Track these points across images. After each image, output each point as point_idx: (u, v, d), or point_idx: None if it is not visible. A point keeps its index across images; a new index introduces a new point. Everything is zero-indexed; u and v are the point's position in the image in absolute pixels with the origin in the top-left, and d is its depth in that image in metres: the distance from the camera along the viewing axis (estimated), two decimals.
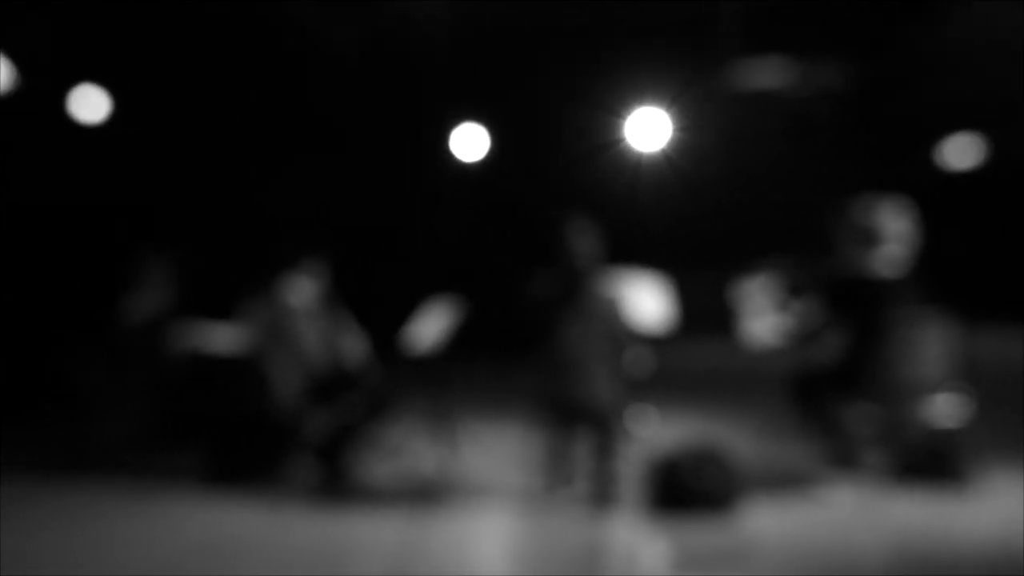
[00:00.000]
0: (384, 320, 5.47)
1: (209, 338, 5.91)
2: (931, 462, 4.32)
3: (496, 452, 5.46)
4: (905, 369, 4.23)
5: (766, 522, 4.16)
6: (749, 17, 9.57)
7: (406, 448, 5.45)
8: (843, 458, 4.48)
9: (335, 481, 4.92)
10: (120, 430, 5.84)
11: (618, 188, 8.68)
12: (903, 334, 4.23)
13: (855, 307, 4.30)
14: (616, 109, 7.50)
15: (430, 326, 5.58)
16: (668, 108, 7.24)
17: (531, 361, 4.30)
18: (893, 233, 4.30)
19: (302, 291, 5.09)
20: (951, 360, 4.33)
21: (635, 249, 8.37)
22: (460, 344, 5.32)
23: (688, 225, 9.64)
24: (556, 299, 4.25)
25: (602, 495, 4.30)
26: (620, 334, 4.24)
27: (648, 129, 7.18)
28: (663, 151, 7.51)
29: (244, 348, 5.76)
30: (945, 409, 4.37)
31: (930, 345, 4.25)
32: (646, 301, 4.54)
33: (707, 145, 8.79)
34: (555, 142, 9.21)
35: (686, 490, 4.10)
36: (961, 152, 9.89)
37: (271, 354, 4.96)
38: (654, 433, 4.44)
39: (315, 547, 4.17)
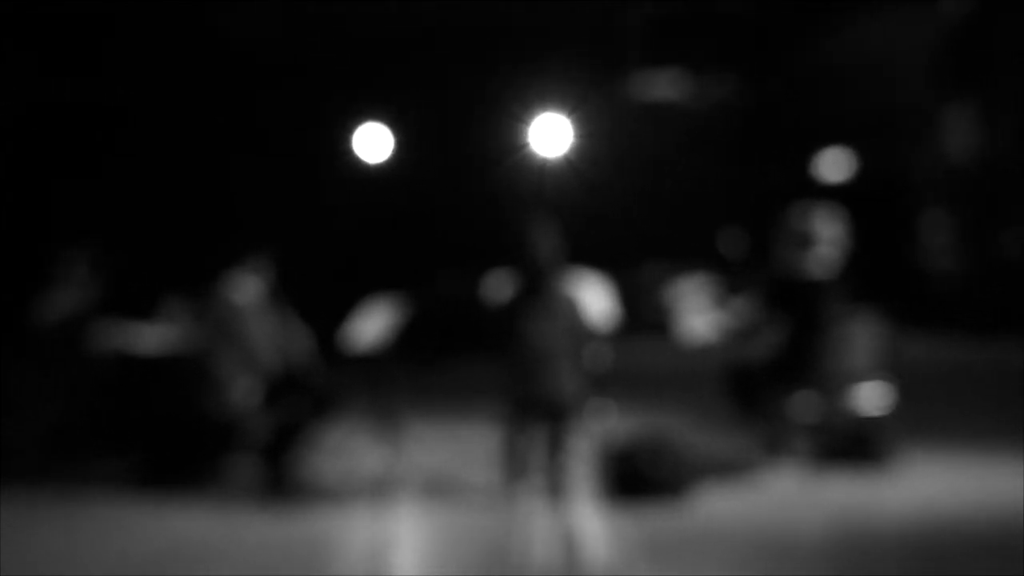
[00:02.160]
0: (320, 319, 5.49)
1: (134, 338, 5.76)
2: (856, 446, 4.71)
3: (445, 449, 5.55)
4: (839, 360, 4.63)
5: (716, 506, 4.42)
6: (649, 30, 10.01)
7: (349, 447, 5.47)
8: (776, 444, 4.83)
9: (279, 481, 4.86)
10: (38, 432, 5.63)
11: (523, 192, 8.91)
12: (837, 329, 4.62)
13: (792, 305, 4.65)
14: (520, 115, 7.71)
15: (371, 324, 5.61)
16: (570, 115, 7.51)
17: (494, 357, 4.45)
18: (826, 237, 4.70)
19: (248, 289, 5.03)
20: (877, 353, 4.76)
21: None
22: (404, 342, 5.40)
23: (589, 229, 9.97)
24: (519, 296, 4.41)
25: (560, 487, 4.44)
26: (582, 330, 4.43)
27: (551, 135, 7.42)
28: (565, 157, 7.78)
29: (175, 347, 5.67)
30: (871, 397, 4.79)
31: (859, 339, 4.66)
32: (594, 299, 4.75)
33: (607, 152, 9.12)
34: (460, 145, 9.36)
35: (643, 478, 4.33)
36: (835, 164, 10.59)
37: (219, 353, 4.89)
38: (612, 426, 4.65)
39: (279, 548, 4.13)
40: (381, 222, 8.18)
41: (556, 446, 4.40)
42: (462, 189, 8.94)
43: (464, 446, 5.59)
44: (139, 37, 7.06)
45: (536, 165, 8.09)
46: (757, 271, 4.90)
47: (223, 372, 4.88)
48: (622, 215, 9.11)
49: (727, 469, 4.65)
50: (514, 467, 4.52)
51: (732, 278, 4.88)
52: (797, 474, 4.75)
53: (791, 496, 4.54)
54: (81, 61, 6.91)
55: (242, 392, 4.91)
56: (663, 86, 10.45)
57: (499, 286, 4.74)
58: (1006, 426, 5.36)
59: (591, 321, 4.40)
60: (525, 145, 7.48)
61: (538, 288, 4.35)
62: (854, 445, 4.69)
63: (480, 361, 6.54)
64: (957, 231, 9.04)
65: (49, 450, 5.49)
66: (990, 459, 4.81)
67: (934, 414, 5.31)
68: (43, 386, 5.64)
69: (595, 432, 4.52)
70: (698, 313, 4.91)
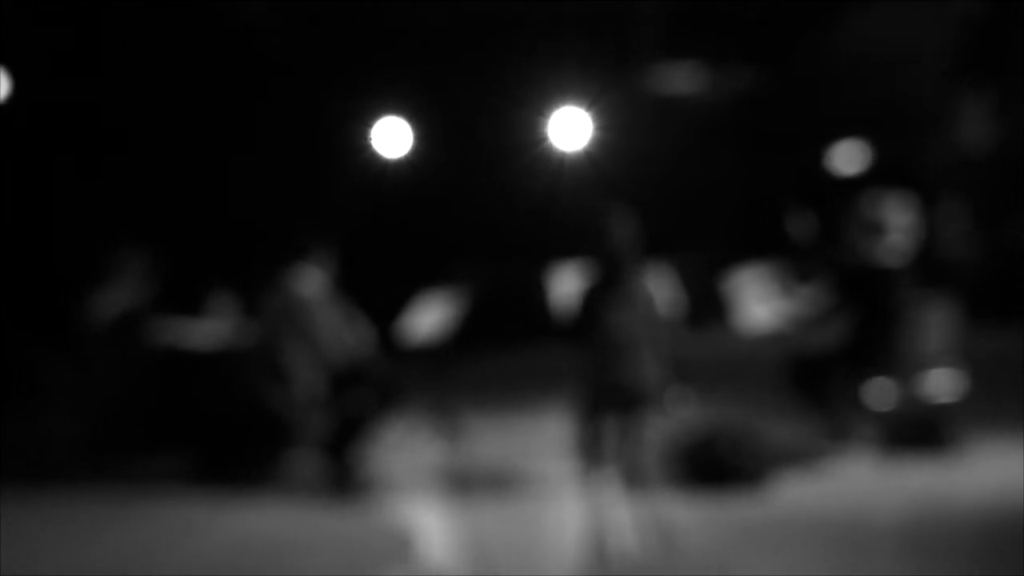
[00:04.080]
0: (373, 312, 5.46)
1: (186, 334, 5.70)
2: (926, 432, 4.76)
3: (505, 441, 5.52)
4: (912, 347, 4.68)
5: (794, 494, 4.44)
6: (665, 23, 10.01)
7: (409, 441, 5.43)
8: (843, 432, 4.87)
9: (342, 476, 4.83)
10: (93, 431, 5.57)
11: (542, 185, 8.91)
12: (911, 316, 4.66)
13: (863, 293, 4.69)
14: (539, 108, 7.71)
15: (428, 317, 5.59)
16: (589, 109, 7.51)
17: (564, 348, 4.46)
18: (897, 224, 4.74)
19: (312, 281, 4.98)
20: (948, 339, 4.81)
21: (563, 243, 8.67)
22: (461, 335, 5.39)
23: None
24: (597, 287, 4.42)
25: (639, 476, 4.47)
26: (659, 320, 4.45)
27: (570, 128, 7.42)
28: (585, 150, 7.78)
29: (228, 342, 5.63)
30: (942, 383, 4.83)
31: (930, 325, 4.70)
32: (660, 289, 4.77)
33: (626, 145, 9.14)
34: (479, 139, 9.35)
35: (723, 466, 4.35)
36: (849, 157, 10.65)
37: (285, 345, 4.84)
38: (691, 413, 4.68)
39: (351, 543, 4.10)
40: (409, 218, 8.18)
41: (634, 435, 4.43)
42: (483, 182, 8.94)
43: (524, 438, 5.58)
44: (170, 31, 7.04)
45: (556, 158, 8.10)
46: (824, 258, 4.94)
47: (289, 365, 4.85)
48: (647, 207, 9.15)
49: (800, 457, 4.68)
50: (591, 456, 4.53)
51: (798, 265, 4.90)
52: (869, 461, 4.79)
53: (866, 483, 4.58)
54: (114, 56, 6.89)
55: (307, 385, 4.89)
56: (681, 79, 10.48)
57: (570, 278, 4.75)
58: None
59: (667, 311, 4.44)
60: (544, 139, 7.49)
61: (616, 278, 4.37)
62: (924, 431, 4.75)
63: (537, 352, 6.57)
64: (972, 220, 9.12)
65: (104, 449, 5.45)
66: None
67: (988, 400, 5.36)
68: (97, 385, 5.60)
69: (675, 420, 4.57)
70: (761, 301, 4.93)
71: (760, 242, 5.34)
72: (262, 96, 7.71)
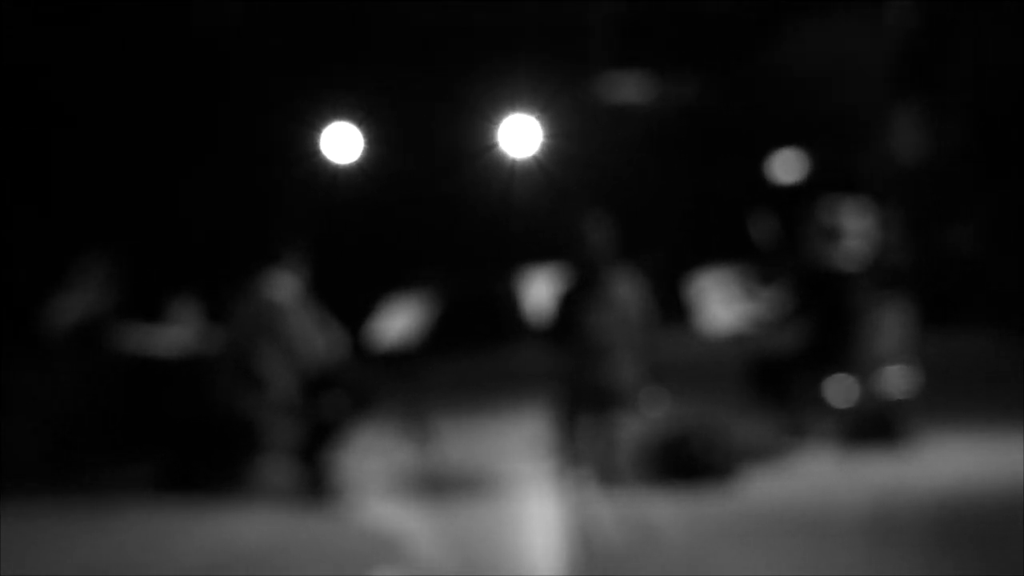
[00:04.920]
0: (344, 317, 5.48)
1: (149, 340, 5.65)
2: (882, 428, 4.98)
3: (476, 443, 5.59)
4: (869, 346, 4.91)
5: (761, 489, 4.61)
6: (613, 32, 10.22)
7: (379, 445, 5.45)
8: (802, 429, 5.07)
9: (315, 482, 4.83)
10: (54, 439, 5.47)
11: (495, 191, 9.02)
12: (866, 317, 4.88)
13: (822, 296, 4.89)
14: (489, 115, 7.82)
15: (397, 321, 5.62)
16: (539, 116, 7.65)
17: (553, 349, 4.55)
18: (854, 230, 4.95)
19: (285, 286, 5.00)
20: (902, 338, 5.03)
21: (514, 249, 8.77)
22: (430, 338, 5.44)
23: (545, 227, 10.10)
24: (574, 289, 4.52)
25: (615, 474, 4.60)
26: (635, 321, 4.58)
27: (520, 135, 7.54)
28: (534, 157, 7.91)
29: (191, 348, 5.59)
30: (897, 381, 5.06)
31: (886, 326, 4.92)
32: (635, 292, 4.91)
33: (575, 153, 9.29)
34: (429, 145, 9.41)
35: (695, 463, 4.50)
36: (787, 165, 10.97)
37: (259, 351, 4.84)
38: (664, 413, 4.82)
39: (336, 548, 4.10)
40: (370, 223, 8.21)
41: (610, 434, 4.54)
42: (437, 187, 9.01)
43: (494, 440, 5.66)
44: (132, 36, 6.98)
45: (506, 165, 8.21)
46: (784, 262, 5.13)
47: (262, 370, 4.87)
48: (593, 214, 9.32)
49: (765, 453, 4.86)
50: (568, 456, 4.63)
51: (759, 269, 5.09)
52: (829, 456, 5.00)
53: (828, 477, 4.78)
54: (76, 62, 6.81)
55: (281, 390, 4.91)
56: (628, 88, 10.70)
57: (543, 282, 4.85)
58: (994, 409, 5.75)
59: (643, 312, 4.57)
60: (494, 145, 7.59)
61: (593, 282, 4.50)
62: (880, 427, 4.98)
63: (506, 356, 6.65)
64: (907, 229, 9.49)
65: (67, 457, 5.38)
66: (1003, 438, 5.08)
67: (937, 397, 5.61)
68: (58, 391, 5.52)
69: (649, 420, 4.69)
70: (723, 304, 5.10)
71: (720, 246, 5.53)
72: (221, 101, 7.69)
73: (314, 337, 4.94)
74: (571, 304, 4.53)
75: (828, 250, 4.97)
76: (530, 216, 8.31)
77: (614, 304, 4.51)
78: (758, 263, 5.04)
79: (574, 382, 4.52)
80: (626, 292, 4.63)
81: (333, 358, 5.06)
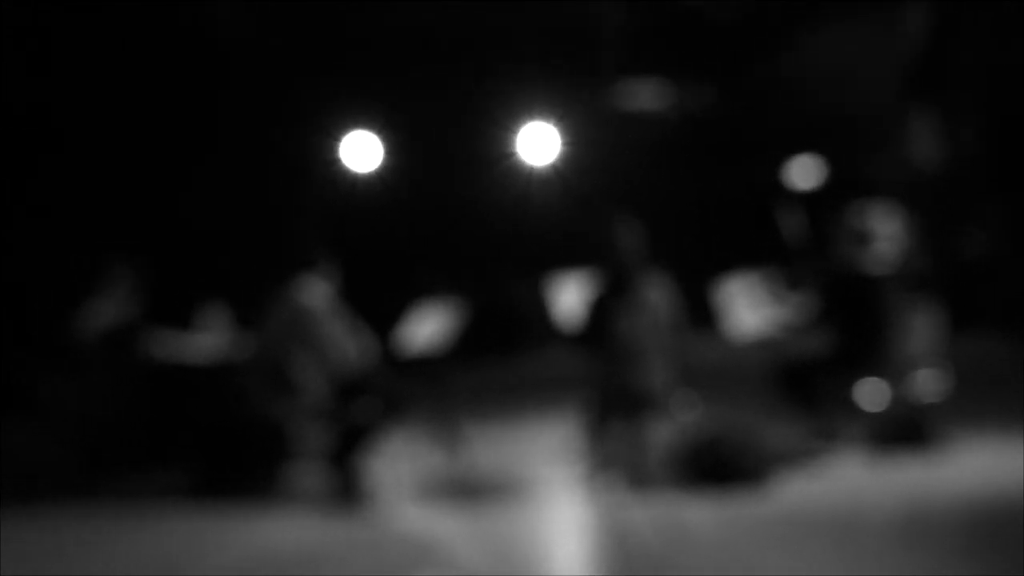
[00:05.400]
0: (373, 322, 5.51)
1: (180, 347, 5.68)
2: (912, 431, 5.00)
3: (511, 448, 5.65)
4: (901, 350, 4.92)
5: (794, 493, 4.63)
6: (629, 40, 10.26)
7: (410, 450, 5.50)
8: (832, 433, 5.08)
9: (347, 488, 4.86)
10: (85, 446, 5.50)
11: (508, 200, 9.06)
12: (898, 321, 4.90)
13: (852, 300, 4.91)
14: (507, 123, 7.86)
15: (426, 327, 5.65)
16: (556, 124, 7.68)
17: (585, 354, 4.58)
18: (884, 233, 4.97)
19: (317, 292, 5.04)
20: (932, 342, 5.06)
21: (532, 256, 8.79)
22: (459, 344, 5.46)
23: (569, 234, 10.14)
24: (606, 295, 4.55)
25: (645, 477, 4.63)
26: (667, 326, 4.61)
27: (538, 143, 7.57)
28: (552, 165, 7.94)
29: (222, 355, 5.62)
30: (927, 384, 5.08)
31: (917, 329, 4.95)
32: (665, 296, 4.94)
33: (594, 160, 9.33)
34: (450, 152, 9.45)
35: (728, 467, 4.52)
36: (803, 171, 10.99)
37: (293, 357, 4.89)
38: (696, 417, 4.85)
39: (374, 553, 4.12)
40: (398, 230, 8.26)
41: (642, 439, 4.56)
42: (457, 194, 9.05)
43: (524, 445, 5.70)
44: (156, 44, 7.05)
45: (525, 172, 8.24)
46: (813, 266, 5.16)
47: (296, 376, 4.91)
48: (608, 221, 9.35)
49: (796, 457, 4.88)
50: (598, 460, 4.66)
51: (787, 273, 5.11)
52: (860, 460, 5.02)
53: (860, 481, 4.80)
54: (109, 70, 6.89)
55: (314, 396, 4.94)
56: (643, 95, 10.74)
57: (573, 288, 4.88)
58: (1020, 413, 5.77)
59: (673, 317, 4.60)
60: (513, 152, 7.63)
61: (624, 287, 4.53)
62: (910, 430, 5.00)
63: (535, 361, 6.67)
64: (922, 233, 9.50)
65: (99, 464, 5.41)
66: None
67: (965, 400, 5.63)
68: (88, 398, 5.55)
69: (680, 424, 4.72)
70: (751, 308, 5.12)
71: (745, 251, 5.56)
72: (247, 110, 7.75)
73: (346, 343, 4.96)
74: (602, 309, 4.56)
75: (858, 254, 5.00)
76: (556, 222, 8.35)
77: (645, 308, 4.56)
78: (785, 267, 5.07)
79: (605, 387, 4.55)
80: (657, 296, 4.68)
81: (364, 364, 5.11)
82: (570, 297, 4.91)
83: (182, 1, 7.69)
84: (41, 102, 6.94)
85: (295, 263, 4.99)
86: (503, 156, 7.87)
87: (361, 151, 7.74)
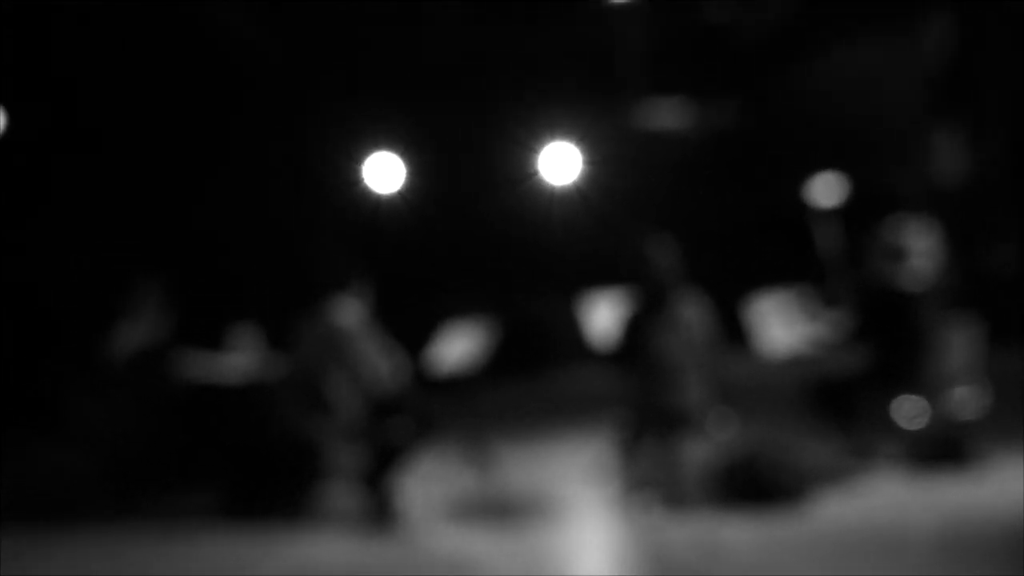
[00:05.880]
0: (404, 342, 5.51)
1: (211, 368, 5.69)
2: (950, 449, 4.95)
3: (543, 467, 5.61)
4: (938, 367, 4.88)
5: (832, 511, 4.60)
6: (648, 60, 10.29)
7: (443, 470, 5.48)
8: (868, 450, 5.04)
9: (382, 508, 4.82)
10: (114, 467, 5.51)
11: (534, 219, 9.07)
12: (935, 337, 4.86)
13: (888, 316, 4.87)
14: (529, 143, 7.88)
15: (456, 346, 5.65)
16: (579, 143, 7.69)
17: (620, 372, 4.56)
18: (919, 249, 4.95)
19: (351, 312, 5.05)
20: (971, 358, 5.01)
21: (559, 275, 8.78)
22: (490, 363, 5.45)
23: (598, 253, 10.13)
24: (642, 312, 4.54)
25: (681, 496, 4.60)
26: (703, 343, 4.60)
27: (560, 163, 7.58)
28: (575, 184, 7.95)
29: (254, 375, 5.62)
30: (966, 401, 5.03)
31: (955, 345, 4.91)
32: (701, 314, 4.93)
33: (615, 179, 9.34)
34: (471, 174, 9.49)
35: (764, 485, 4.48)
36: (827, 188, 10.95)
37: (328, 377, 4.90)
38: (732, 434, 4.82)
39: (415, 573, 4.12)
40: (424, 251, 8.29)
41: (678, 456, 4.54)
42: (485, 214, 9.07)
43: (555, 465, 5.66)
44: (180, 68, 7.14)
45: (546, 192, 8.25)
46: (846, 283, 5.13)
47: (331, 396, 4.91)
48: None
49: (833, 474, 4.83)
50: (632, 478, 4.63)
51: (822, 290, 5.09)
52: (898, 478, 4.97)
53: (899, 499, 4.75)
54: (143, 95, 6.99)
55: (349, 416, 4.94)
56: (665, 113, 10.75)
57: (607, 306, 4.87)
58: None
59: (709, 334, 4.58)
60: (535, 173, 7.64)
61: (661, 304, 4.52)
62: (949, 448, 4.95)
63: (566, 380, 6.64)
64: (948, 250, 9.45)
65: (129, 485, 5.41)
66: None
67: (1003, 417, 5.58)
68: (119, 419, 5.56)
69: (716, 441, 4.69)
70: (785, 326, 5.10)
71: (778, 268, 5.53)
72: (273, 130, 7.82)
73: (380, 362, 4.96)
74: (638, 327, 4.56)
75: (893, 270, 4.97)
76: (583, 241, 8.34)
77: (681, 326, 4.55)
78: (820, 284, 5.05)
79: (641, 404, 4.54)
80: (692, 314, 4.66)
81: (398, 384, 5.11)
82: (603, 315, 4.91)
83: (209, 25, 7.80)
84: (70, 122, 7.02)
85: (329, 283, 5.02)
86: (525, 176, 7.90)
87: (384, 172, 7.80)
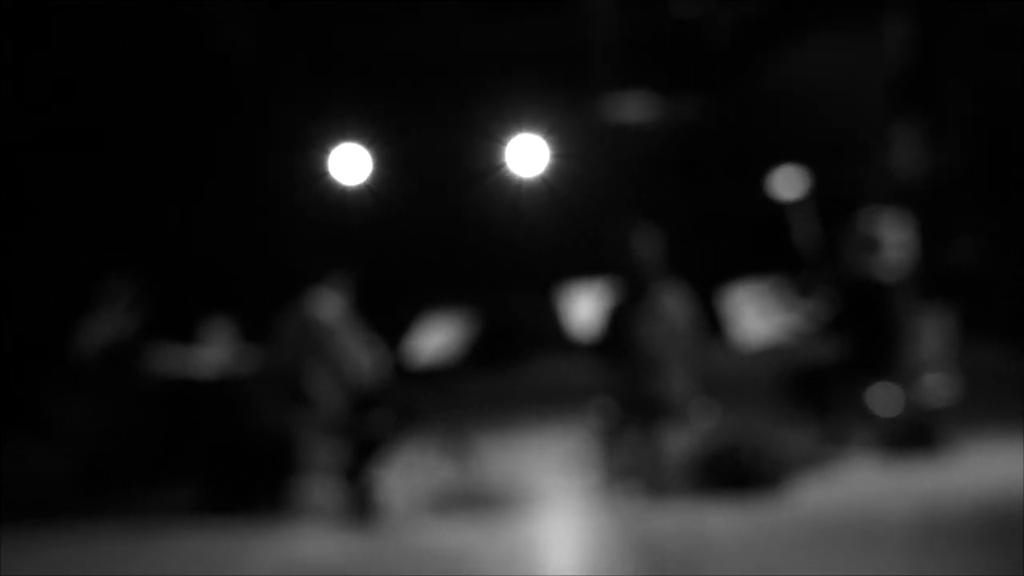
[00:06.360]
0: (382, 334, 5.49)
1: (185, 362, 5.62)
2: (921, 435, 5.05)
3: (522, 459, 5.61)
4: (911, 356, 4.97)
5: (811, 498, 4.66)
6: (616, 53, 10.34)
7: (420, 463, 5.47)
8: (842, 438, 5.13)
9: (361, 501, 4.79)
10: (87, 463, 5.42)
11: (500, 212, 9.08)
12: (908, 327, 4.95)
13: (863, 307, 4.96)
14: (496, 135, 7.89)
15: (434, 338, 5.63)
16: (546, 136, 7.71)
17: (602, 362, 4.58)
18: (893, 241, 5.03)
19: (330, 305, 5.02)
20: (942, 347, 5.12)
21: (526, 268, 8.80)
22: (468, 355, 5.45)
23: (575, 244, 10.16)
24: (624, 303, 4.57)
25: (662, 485, 4.64)
26: (684, 333, 4.63)
27: (527, 155, 7.60)
28: (542, 177, 7.98)
29: (228, 369, 5.56)
30: (937, 389, 5.14)
31: (926, 335, 5.01)
32: (682, 304, 4.97)
33: (587, 172, 9.38)
34: (438, 166, 9.47)
35: (746, 472, 4.54)
36: (789, 182, 11.09)
37: (308, 370, 4.86)
38: (713, 424, 4.88)
39: (393, 569, 4.07)
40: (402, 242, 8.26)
41: (660, 446, 4.57)
42: (459, 206, 9.06)
43: (534, 455, 5.66)
44: (153, 57, 7.04)
45: (513, 185, 8.27)
46: (823, 274, 5.21)
47: (311, 389, 4.87)
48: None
49: (809, 462, 4.92)
50: (613, 468, 4.66)
51: (797, 281, 5.17)
52: (873, 464, 5.07)
53: (874, 485, 4.84)
54: (101, 85, 6.86)
55: (330, 409, 4.92)
56: (631, 107, 10.82)
57: (587, 297, 4.89)
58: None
59: (691, 324, 4.62)
60: (502, 165, 7.65)
61: (642, 294, 4.55)
62: (921, 434, 5.05)
63: (544, 372, 6.65)
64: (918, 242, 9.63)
65: (102, 482, 5.33)
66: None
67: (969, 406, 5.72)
68: (91, 415, 5.48)
69: (698, 430, 4.74)
70: (760, 316, 5.16)
71: (751, 260, 5.61)
72: (243, 123, 7.75)
73: (360, 355, 4.94)
74: (620, 317, 4.59)
75: (868, 261, 5.05)
76: (555, 233, 8.37)
77: (663, 316, 4.59)
78: (794, 274, 5.12)
79: (624, 394, 4.57)
80: (674, 304, 4.70)
81: (377, 376, 5.10)
82: (584, 306, 4.93)
83: (180, 19, 7.70)
84: (40, 118, 6.89)
85: (308, 276, 4.99)
86: (493, 168, 7.91)
87: (353, 163, 7.76)
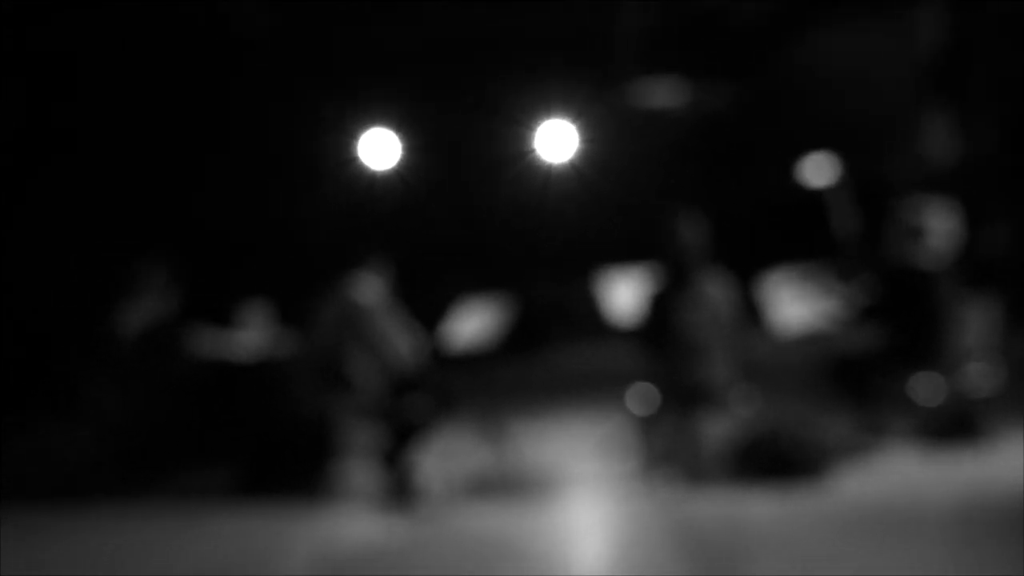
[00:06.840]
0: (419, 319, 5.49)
1: (224, 344, 5.64)
2: (963, 424, 5.02)
3: (562, 443, 5.63)
4: (955, 344, 4.95)
5: (851, 486, 4.66)
6: (646, 39, 10.28)
7: (457, 448, 5.49)
8: (883, 426, 5.10)
9: (401, 485, 4.82)
10: (124, 445, 5.46)
11: (529, 197, 9.07)
12: (952, 315, 4.93)
13: (906, 295, 4.93)
14: (525, 121, 7.87)
15: (471, 323, 5.64)
16: (575, 121, 7.68)
17: (644, 349, 4.58)
18: (937, 229, 5.00)
19: (370, 289, 5.03)
20: (987, 336, 5.08)
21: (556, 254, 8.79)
22: (505, 340, 5.45)
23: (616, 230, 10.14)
24: (667, 289, 4.56)
25: (702, 472, 4.64)
26: (727, 321, 4.62)
27: (556, 141, 7.57)
28: (571, 163, 7.95)
29: (266, 352, 5.58)
30: (980, 378, 5.11)
31: (971, 323, 4.97)
32: (725, 291, 4.96)
33: (611, 159, 9.35)
34: (467, 152, 9.46)
35: (786, 460, 4.53)
36: (819, 169, 11.02)
37: (348, 354, 4.89)
38: (755, 411, 4.87)
39: (432, 553, 4.09)
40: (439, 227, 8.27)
41: (701, 433, 4.57)
42: (475, 193, 9.05)
43: (573, 441, 5.67)
44: (181, 45, 7.05)
45: (543, 171, 8.25)
46: (864, 260, 5.18)
47: (351, 373, 4.90)
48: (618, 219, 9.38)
49: (850, 450, 4.90)
50: (652, 455, 4.66)
51: (837, 267, 5.14)
52: (914, 453, 5.04)
53: (916, 474, 4.81)
54: (136, 72, 6.89)
55: (370, 393, 4.94)
56: (662, 94, 10.77)
57: (628, 284, 4.88)
58: None
59: (733, 311, 4.61)
60: (531, 151, 7.63)
61: (686, 281, 4.53)
62: (962, 424, 5.02)
63: (582, 357, 6.65)
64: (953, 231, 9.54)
65: (140, 465, 5.36)
66: None
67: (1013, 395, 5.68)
68: (129, 399, 5.51)
69: (739, 417, 4.73)
70: (799, 302, 5.14)
71: (791, 246, 5.58)
72: (272, 108, 7.76)
73: (399, 339, 4.96)
74: (662, 303, 4.58)
75: (912, 248, 5.02)
76: (604, 218, 8.35)
77: (705, 303, 4.58)
78: (834, 260, 5.09)
79: (665, 381, 4.57)
80: (716, 291, 4.69)
81: (416, 360, 5.10)
82: (625, 293, 4.92)
83: (205, 5, 7.72)
84: (71, 104, 6.91)
85: (347, 259, 5.00)
86: (522, 154, 7.89)
87: (379, 149, 7.75)
